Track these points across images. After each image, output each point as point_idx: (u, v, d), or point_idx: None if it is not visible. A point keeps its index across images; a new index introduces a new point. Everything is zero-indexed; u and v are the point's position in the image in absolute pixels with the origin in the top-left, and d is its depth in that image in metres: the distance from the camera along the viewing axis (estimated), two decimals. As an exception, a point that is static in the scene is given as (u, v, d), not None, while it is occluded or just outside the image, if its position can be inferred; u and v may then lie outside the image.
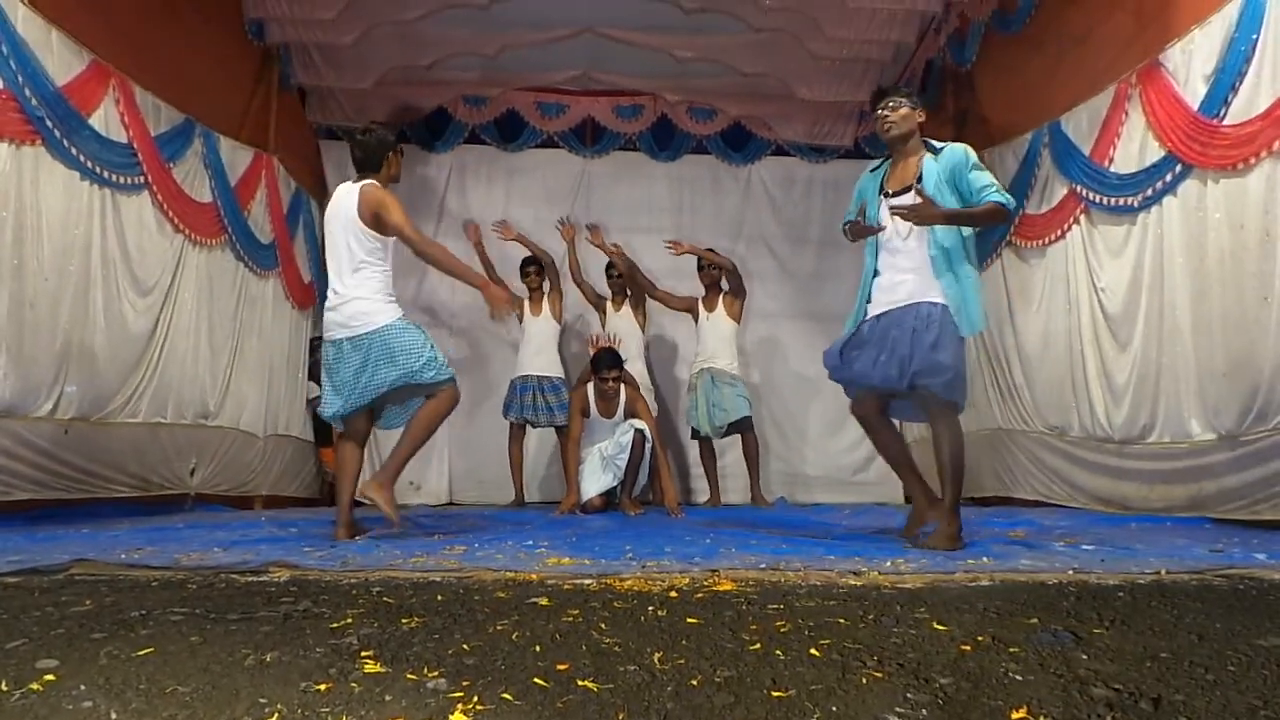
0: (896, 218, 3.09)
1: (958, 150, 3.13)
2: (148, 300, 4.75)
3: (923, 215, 2.99)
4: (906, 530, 3.39)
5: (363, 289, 3.60)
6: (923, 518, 3.32)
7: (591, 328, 6.69)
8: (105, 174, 4.31)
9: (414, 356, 3.53)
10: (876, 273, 3.20)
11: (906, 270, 3.10)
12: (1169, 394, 4.13)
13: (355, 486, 3.71)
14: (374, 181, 3.71)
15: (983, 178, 3.04)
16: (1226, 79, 3.70)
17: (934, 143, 3.22)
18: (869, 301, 3.21)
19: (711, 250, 6.27)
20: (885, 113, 3.16)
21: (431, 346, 3.61)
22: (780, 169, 7.48)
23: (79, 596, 2.01)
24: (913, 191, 3.06)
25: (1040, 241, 5.15)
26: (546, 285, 6.26)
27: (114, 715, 1.28)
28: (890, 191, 3.19)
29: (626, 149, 7.40)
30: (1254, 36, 3.56)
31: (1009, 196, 3.07)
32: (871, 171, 3.35)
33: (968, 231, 3.10)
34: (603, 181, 7.36)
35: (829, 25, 6.14)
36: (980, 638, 1.64)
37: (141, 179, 4.61)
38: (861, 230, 3.18)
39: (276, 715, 1.28)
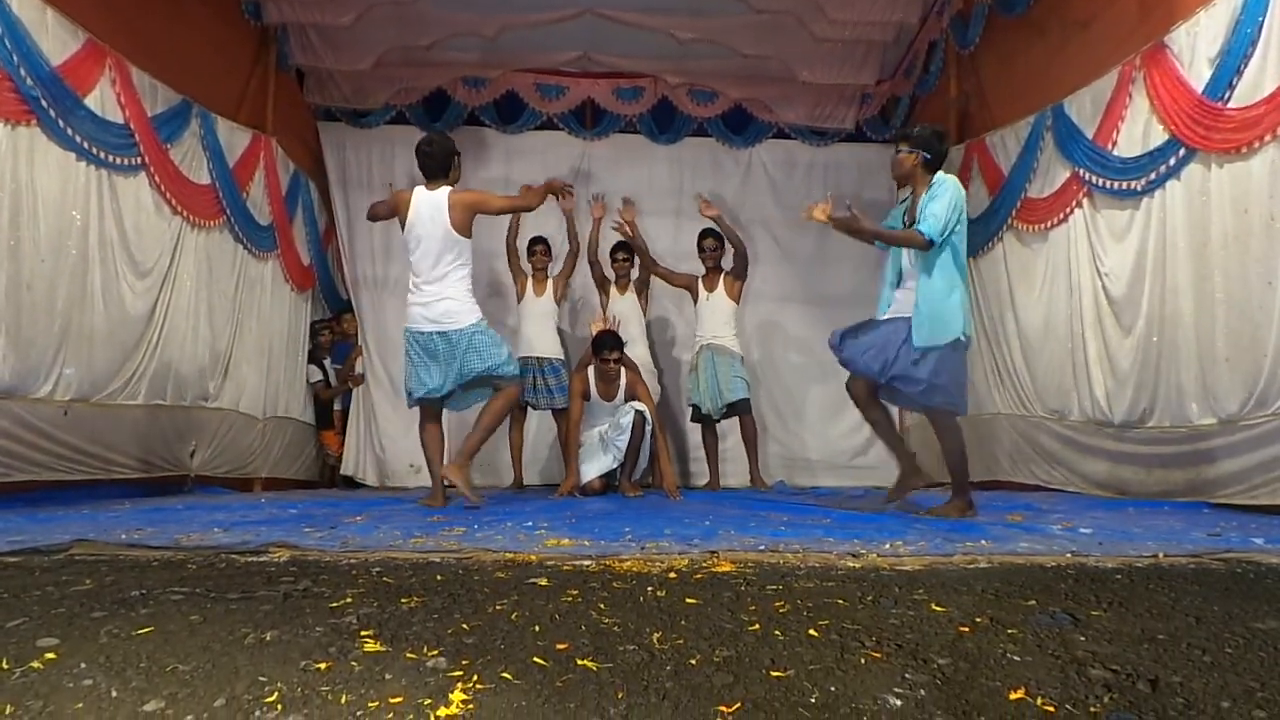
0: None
1: (941, 181, 3.60)
2: (146, 282, 4.73)
3: (838, 224, 3.84)
4: (892, 494, 3.93)
5: (452, 290, 4.17)
6: (907, 484, 3.89)
7: (593, 311, 6.67)
8: (102, 155, 4.28)
9: (497, 354, 4.18)
10: (896, 285, 3.75)
11: (910, 289, 3.65)
12: (1170, 378, 4.13)
13: (442, 460, 4.37)
14: (451, 187, 4.20)
15: (936, 209, 3.52)
16: (1232, 62, 3.68)
17: (937, 176, 3.66)
18: (888, 306, 3.74)
19: (730, 226, 6.21)
20: (894, 156, 3.77)
21: (505, 344, 4.28)
22: (781, 152, 7.44)
23: (79, 576, 2.02)
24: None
25: (1042, 225, 5.13)
26: (554, 268, 6.23)
27: (114, 693, 1.29)
28: (908, 222, 3.72)
29: (627, 131, 7.35)
30: (1260, 19, 3.54)
31: (935, 231, 3.50)
32: (900, 203, 3.94)
33: (945, 252, 3.56)
34: (603, 164, 7.32)
35: (831, 7, 6.10)
36: (978, 619, 1.65)
37: (139, 160, 4.58)
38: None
39: (276, 693, 1.29)
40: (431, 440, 4.36)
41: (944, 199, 3.51)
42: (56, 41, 3.98)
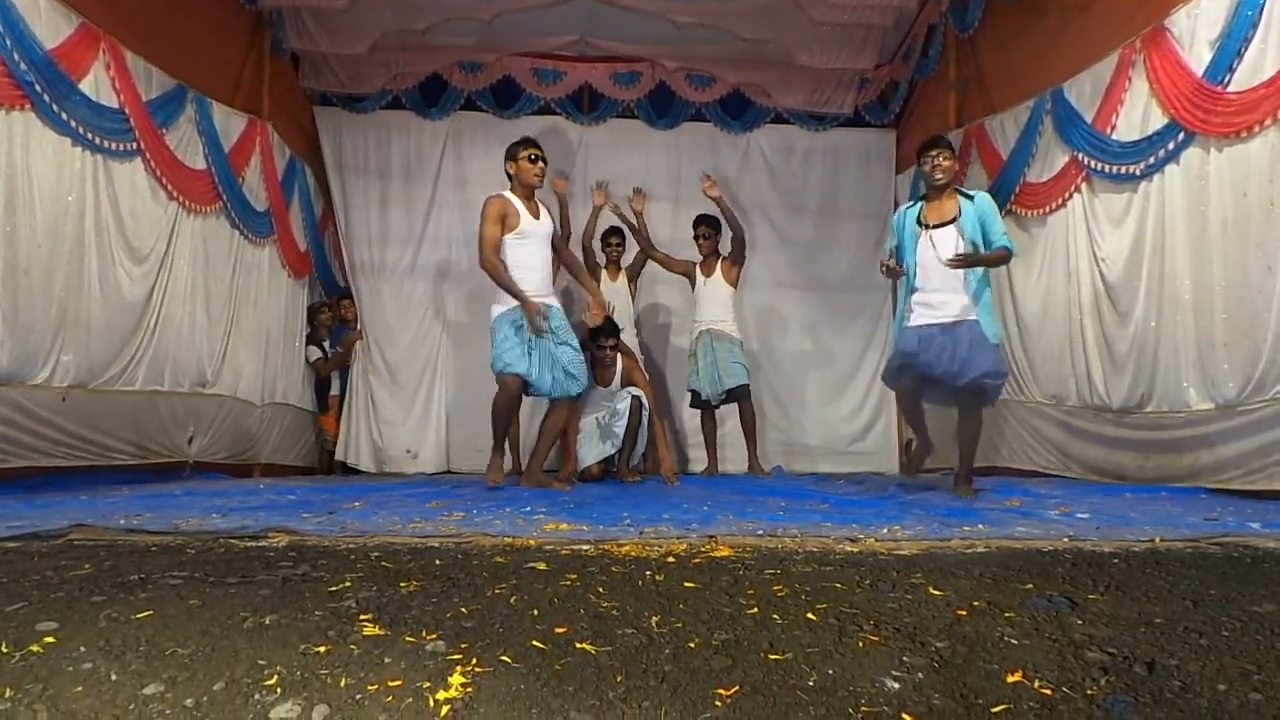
0: (937, 246, 3.79)
1: (986, 199, 3.88)
2: (143, 268, 4.72)
3: (965, 262, 3.70)
4: (907, 470, 4.32)
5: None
6: (924, 459, 4.21)
7: (583, 297, 6.66)
8: (97, 140, 4.26)
9: (494, 353, 4.44)
10: (913, 289, 3.87)
11: (948, 291, 3.78)
12: (1168, 363, 4.13)
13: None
14: (498, 193, 4.51)
15: (1000, 225, 3.81)
16: (1232, 45, 3.66)
17: (964, 189, 3.97)
18: (910, 312, 3.87)
19: (730, 210, 6.18)
20: (939, 160, 3.83)
21: (503, 342, 4.40)
22: (779, 137, 7.41)
23: (78, 561, 2.02)
24: (953, 229, 3.80)
25: (1041, 210, 5.12)
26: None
27: (113, 676, 1.29)
28: (930, 224, 3.85)
29: (624, 116, 7.32)
30: (1261, 2, 3.52)
31: (1013, 243, 3.85)
32: (907, 210, 4.02)
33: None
34: (600, 149, 7.28)
35: (829, -10, 6.06)
36: (976, 603, 1.65)
37: (134, 145, 4.55)
38: (894, 273, 3.94)
39: (276, 676, 1.29)
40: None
41: (998, 214, 3.86)
42: (50, 25, 3.95)
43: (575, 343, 4.57)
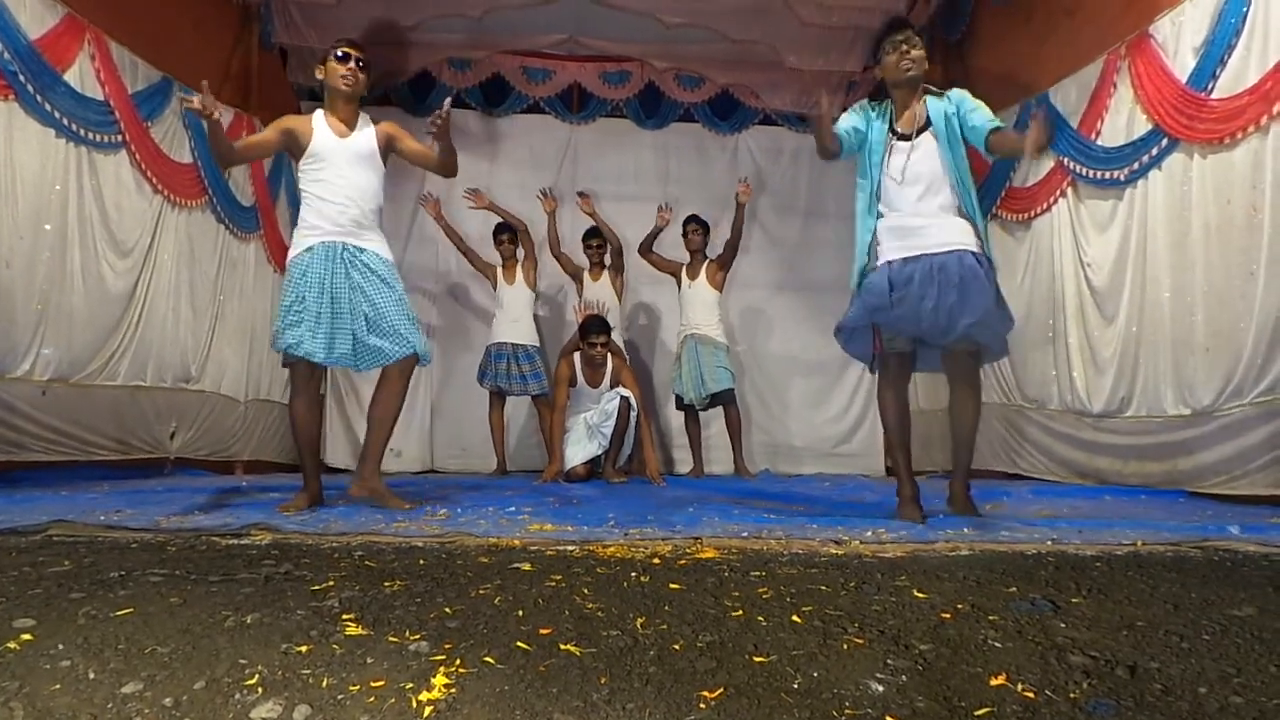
0: (908, 159, 2.94)
1: (961, 91, 3.09)
2: (127, 261, 4.68)
3: (1044, 140, 2.71)
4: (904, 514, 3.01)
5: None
6: (914, 500, 3.05)
7: (569, 299, 6.67)
8: (81, 131, 4.22)
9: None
10: (879, 215, 2.99)
11: (926, 215, 2.92)
12: (1150, 368, 4.16)
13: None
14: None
15: (987, 110, 2.99)
16: (1215, 52, 3.70)
17: (932, 87, 3.10)
18: (876, 244, 2.97)
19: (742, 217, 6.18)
20: (907, 48, 2.98)
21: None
22: (767, 138, 7.42)
23: (57, 557, 1.99)
24: (930, 137, 2.95)
25: (1026, 215, 5.16)
26: (520, 253, 6.21)
27: (92, 674, 1.28)
28: (901, 132, 3.00)
29: (613, 116, 7.31)
30: (1244, 9, 3.56)
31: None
32: (872, 108, 3.10)
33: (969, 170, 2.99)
34: (589, 148, 7.28)
35: (819, -8, 6.08)
36: (960, 606, 1.66)
37: (119, 137, 4.51)
38: (823, 123, 2.94)
39: (257, 676, 1.28)
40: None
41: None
42: (34, 16, 3.91)
43: (393, 293, 3.32)
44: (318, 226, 3.26)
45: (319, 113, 3.39)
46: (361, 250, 3.28)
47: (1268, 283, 3.45)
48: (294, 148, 3.34)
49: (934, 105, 3.02)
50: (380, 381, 3.39)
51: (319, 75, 3.41)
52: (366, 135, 3.38)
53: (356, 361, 3.31)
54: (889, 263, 2.92)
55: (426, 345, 3.38)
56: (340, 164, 3.29)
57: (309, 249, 3.24)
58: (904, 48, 2.99)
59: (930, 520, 2.89)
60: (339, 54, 3.34)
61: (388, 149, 3.42)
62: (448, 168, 3.49)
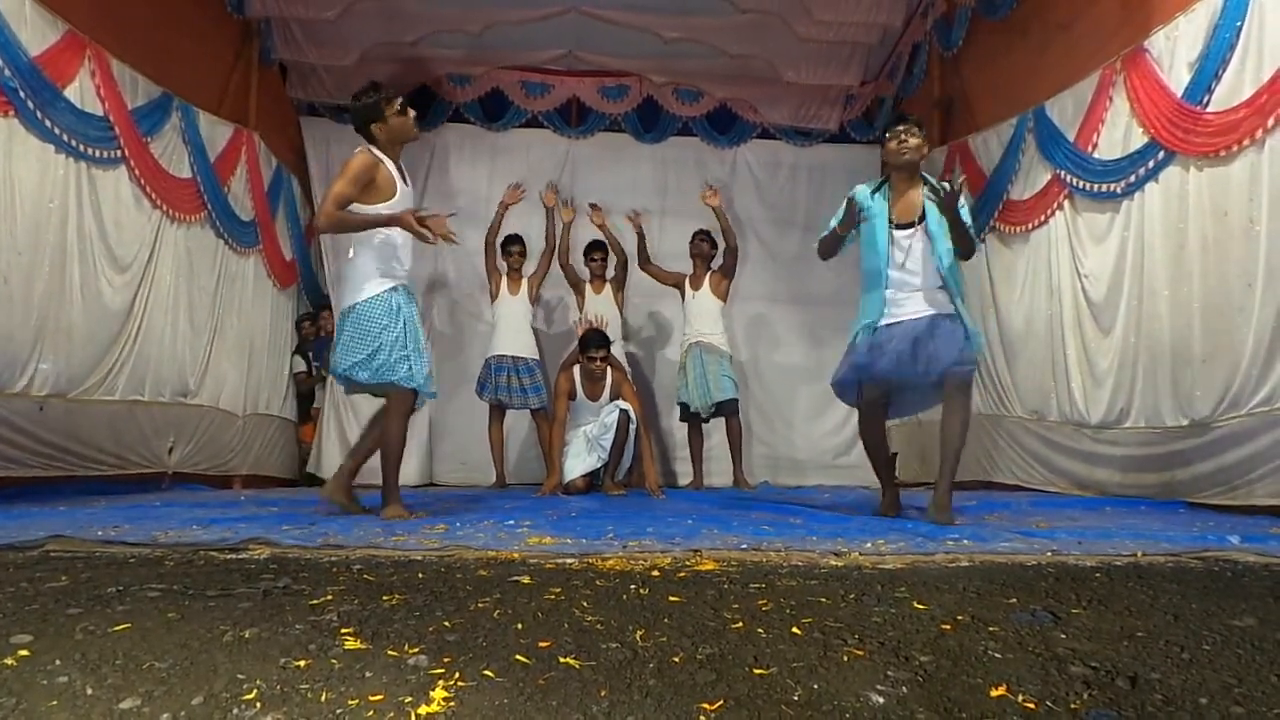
0: (907, 245, 3.40)
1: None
2: (125, 276, 4.68)
3: (951, 202, 3.23)
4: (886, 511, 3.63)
5: (351, 263, 3.49)
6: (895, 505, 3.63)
7: (569, 311, 6.68)
8: (81, 147, 4.23)
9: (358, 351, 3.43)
10: (878, 289, 3.44)
11: (915, 289, 3.39)
12: (1148, 380, 4.17)
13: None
14: (361, 147, 3.44)
15: (968, 217, 3.38)
16: (1210, 66, 3.72)
17: (931, 180, 3.47)
18: (880, 317, 3.43)
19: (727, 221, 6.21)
20: (905, 137, 3.39)
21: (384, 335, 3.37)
22: (766, 152, 7.46)
23: (54, 573, 1.99)
24: (921, 232, 3.38)
25: (1024, 227, 5.17)
26: (529, 268, 6.22)
27: (89, 690, 1.27)
28: (899, 223, 3.42)
29: (611, 130, 7.35)
30: (1238, 24, 3.58)
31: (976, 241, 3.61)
32: (872, 192, 3.52)
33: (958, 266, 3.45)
34: (587, 162, 7.31)
35: (816, 8, 6.13)
36: (960, 617, 1.65)
37: (118, 153, 4.53)
38: (849, 223, 3.51)
39: (255, 691, 1.27)
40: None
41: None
42: (35, 32, 3.93)
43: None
44: (403, 273, 3.48)
45: (379, 153, 3.40)
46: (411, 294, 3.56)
47: (1265, 294, 3.46)
48: (371, 186, 3.35)
49: (929, 206, 3.39)
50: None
51: (378, 132, 3.42)
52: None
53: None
54: (875, 328, 3.42)
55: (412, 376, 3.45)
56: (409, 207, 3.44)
57: (396, 290, 3.43)
58: (902, 135, 3.40)
59: (914, 527, 3.12)
60: (399, 106, 3.46)
61: None
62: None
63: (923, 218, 3.39)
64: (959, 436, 3.35)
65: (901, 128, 3.43)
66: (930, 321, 3.34)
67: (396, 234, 3.39)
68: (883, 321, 3.41)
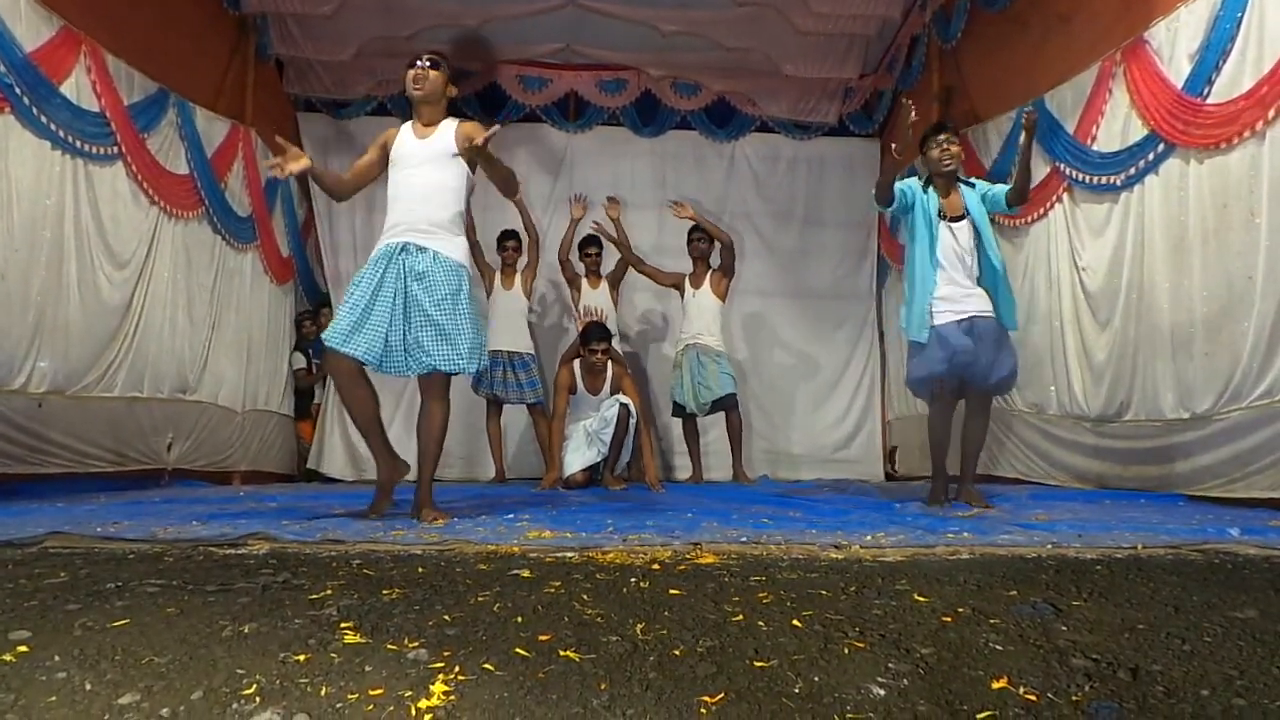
0: (960, 239, 3.64)
1: (978, 181, 3.81)
2: (123, 273, 4.68)
3: (1030, 127, 3.52)
4: (936, 500, 3.79)
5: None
6: (944, 491, 3.80)
7: (564, 304, 6.68)
8: (77, 143, 4.23)
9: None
10: (934, 284, 3.63)
11: (969, 285, 3.63)
12: (1148, 372, 4.16)
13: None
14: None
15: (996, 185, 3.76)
16: (1211, 57, 3.71)
17: (962, 177, 3.78)
18: (933, 310, 3.61)
19: (710, 223, 6.22)
20: (947, 145, 3.64)
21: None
22: (764, 146, 7.44)
23: (53, 569, 1.98)
24: (969, 224, 3.66)
25: (1023, 220, 5.16)
26: (523, 261, 6.21)
27: (88, 686, 1.27)
28: (950, 216, 3.66)
29: (610, 124, 7.34)
30: (1239, 15, 3.56)
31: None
32: (922, 190, 3.71)
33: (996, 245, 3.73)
34: (585, 157, 7.30)
35: (814, 0, 6.10)
36: (961, 609, 1.65)
37: (115, 149, 4.52)
38: (889, 180, 3.59)
39: (254, 686, 1.27)
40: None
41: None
42: (30, 28, 3.92)
43: (448, 310, 3.17)
44: (388, 228, 3.22)
45: (410, 122, 3.32)
46: (423, 250, 3.15)
47: (1265, 287, 3.45)
48: (388, 157, 3.28)
49: (968, 194, 3.69)
50: (420, 407, 3.33)
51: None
52: (444, 135, 3.25)
53: (380, 363, 3.13)
54: (944, 325, 3.58)
55: (464, 359, 3.18)
56: (414, 164, 3.22)
57: (379, 249, 3.19)
58: (944, 144, 3.65)
59: (914, 519, 3.14)
60: (408, 64, 3.28)
61: (470, 148, 3.19)
62: (504, 186, 3.35)
63: (966, 211, 3.65)
64: (980, 441, 3.78)
65: (942, 136, 3.65)
66: (992, 326, 3.58)
67: (390, 187, 3.26)
68: (944, 318, 3.58)
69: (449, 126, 3.27)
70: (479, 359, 3.25)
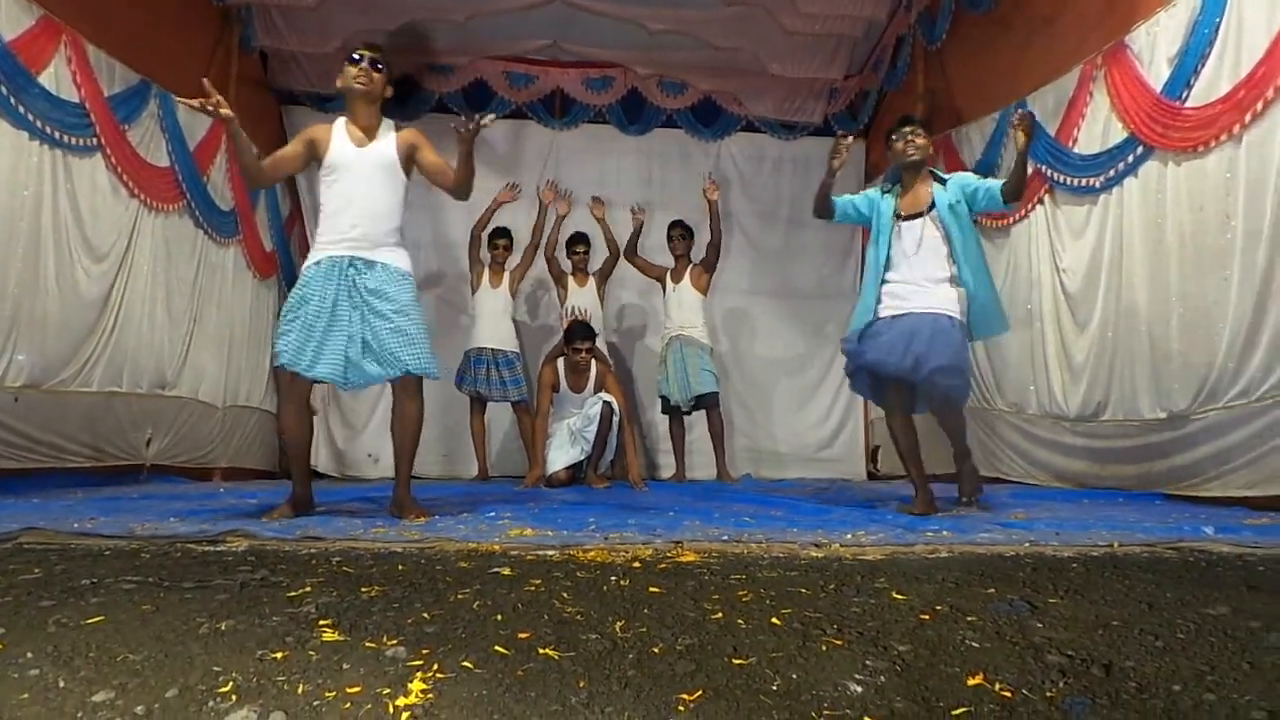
0: (905, 238, 3.57)
1: (962, 176, 3.70)
2: (102, 266, 4.62)
3: (1027, 130, 3.39)
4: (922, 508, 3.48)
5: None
6: (930, 501, 3.50)
7: (551, 303, 6.67)
8: (56, 134, 4.17)
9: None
10: (884, 281, 3.59)
11: (919, 282, 3.52)
12: (1125, 373, 4.20)
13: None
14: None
15: (986, 179, 3.63)
16: (1190, 62, 3.74)
17: (939, 173, 3.69)
18: (879, 303, 3.57)
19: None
20: (911, 137, 3.60)
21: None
22: (750, 145, 7.46)
23: (28, 565, 1.96)
24: (922, 221, 3.54)
25: (1005, 221, 5.19)
26: (512, 261, 6.21)
27: (61, 683, 1.26)
28: (904, 215, 3.60)
29: (596, 122, 7.32)
30: (1217, 20, 3.60)
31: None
32: (883, 193, 3.71)
33: (976, 245, 3.60)
34: (571, 154, 7.28)
35: (801, 1, 6.12)
36: (939, 607, 1.66)
37: (94, 140, 4.46)
38: (823, 195, 3.70)
39: (231, 683, 1.26)
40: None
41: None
42: (9, 17, 3.87)
43: (397, 314, 3.15)
44: (329, 241, 3.15)
45: (340, 121, 3.26)
46: (371, 265, 3.14)
47: (1240, 289, 3.50)
48: (316, 157, 3.22)
49: (939, 193, 3.58)
50: (393, 407, 3.30)
51: (339, 84, 3.25)
52: (386, 144, 3.23)
53: (345, 379, 3.13)
54: (876, 320, 3.56)
55: (427, 361, 3.19)
56: (356, 175, 3.16)
57: (317, 262, 3.14)
58: (909, 136, 3.61)
59: (894, 519, 3.17)
60: (353, 56, 3.21)
61: (409, 159, 3.25)
62: (462, 188, 3.28)
63: (931, 207, 3.56)
64: (960, 429, 3.68)
65: (907, 129, 3.63)
66: (931, 320, 3.44)
67: (329, 197, 3.21)
68: (883, 313, 3.54)
69: (388, 135, 3.27)
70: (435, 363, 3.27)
